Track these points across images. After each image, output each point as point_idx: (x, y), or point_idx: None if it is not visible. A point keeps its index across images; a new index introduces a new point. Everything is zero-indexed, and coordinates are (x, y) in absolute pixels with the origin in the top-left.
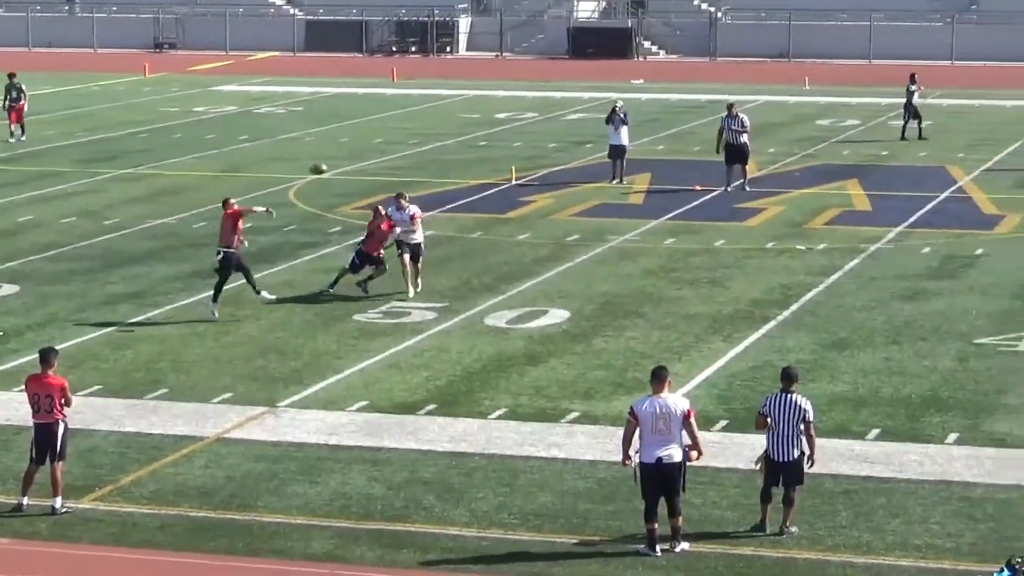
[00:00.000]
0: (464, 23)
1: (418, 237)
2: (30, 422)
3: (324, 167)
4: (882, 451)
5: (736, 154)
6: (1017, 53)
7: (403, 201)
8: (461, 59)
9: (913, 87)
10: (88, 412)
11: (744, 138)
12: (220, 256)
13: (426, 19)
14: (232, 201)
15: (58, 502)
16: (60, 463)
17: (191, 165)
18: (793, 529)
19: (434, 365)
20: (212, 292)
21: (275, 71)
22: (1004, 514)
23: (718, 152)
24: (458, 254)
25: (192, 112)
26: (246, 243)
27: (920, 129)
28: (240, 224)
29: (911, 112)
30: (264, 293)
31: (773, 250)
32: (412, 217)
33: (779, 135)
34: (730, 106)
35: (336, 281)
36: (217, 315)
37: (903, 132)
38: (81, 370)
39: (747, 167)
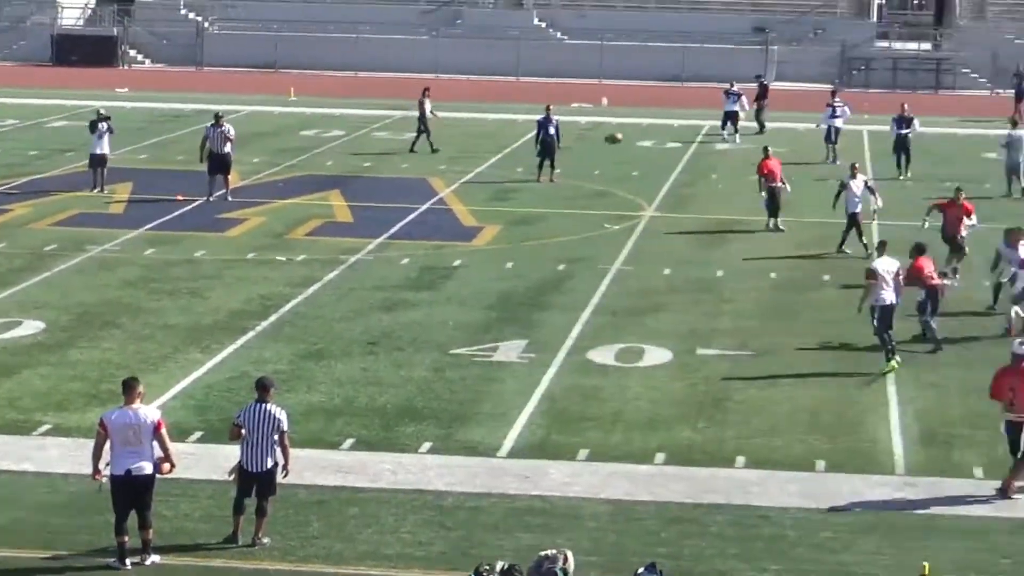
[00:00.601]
0: None
1: None
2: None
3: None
4: (357, 460)
5: (219, 164)
6: (499, 67)
7: None
8: None
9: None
10: None
11: (228, 148)
12: None
13: None
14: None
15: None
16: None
17: None
18: (265, 540)
19: None
20: None
21: None
22: (473, 522)
23: (201, 161)
24: None
25: None
26: None
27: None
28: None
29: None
30: None
31: (254, 261)
32: None
33: (264, 145)
34: (218, 116)
35: None
36: None
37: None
38: None
39: (230, 177)
